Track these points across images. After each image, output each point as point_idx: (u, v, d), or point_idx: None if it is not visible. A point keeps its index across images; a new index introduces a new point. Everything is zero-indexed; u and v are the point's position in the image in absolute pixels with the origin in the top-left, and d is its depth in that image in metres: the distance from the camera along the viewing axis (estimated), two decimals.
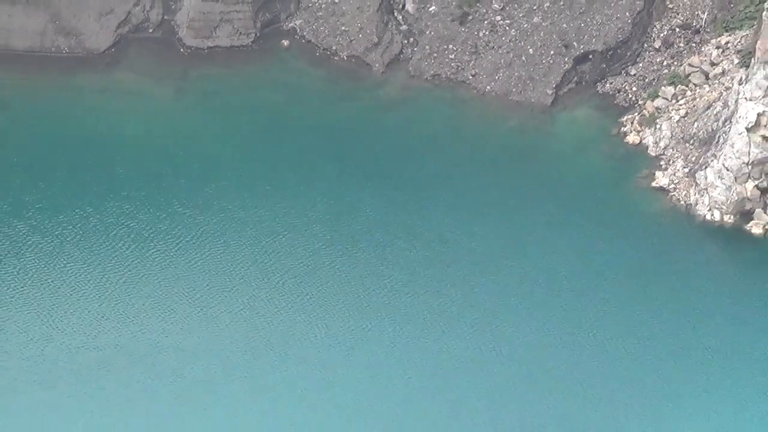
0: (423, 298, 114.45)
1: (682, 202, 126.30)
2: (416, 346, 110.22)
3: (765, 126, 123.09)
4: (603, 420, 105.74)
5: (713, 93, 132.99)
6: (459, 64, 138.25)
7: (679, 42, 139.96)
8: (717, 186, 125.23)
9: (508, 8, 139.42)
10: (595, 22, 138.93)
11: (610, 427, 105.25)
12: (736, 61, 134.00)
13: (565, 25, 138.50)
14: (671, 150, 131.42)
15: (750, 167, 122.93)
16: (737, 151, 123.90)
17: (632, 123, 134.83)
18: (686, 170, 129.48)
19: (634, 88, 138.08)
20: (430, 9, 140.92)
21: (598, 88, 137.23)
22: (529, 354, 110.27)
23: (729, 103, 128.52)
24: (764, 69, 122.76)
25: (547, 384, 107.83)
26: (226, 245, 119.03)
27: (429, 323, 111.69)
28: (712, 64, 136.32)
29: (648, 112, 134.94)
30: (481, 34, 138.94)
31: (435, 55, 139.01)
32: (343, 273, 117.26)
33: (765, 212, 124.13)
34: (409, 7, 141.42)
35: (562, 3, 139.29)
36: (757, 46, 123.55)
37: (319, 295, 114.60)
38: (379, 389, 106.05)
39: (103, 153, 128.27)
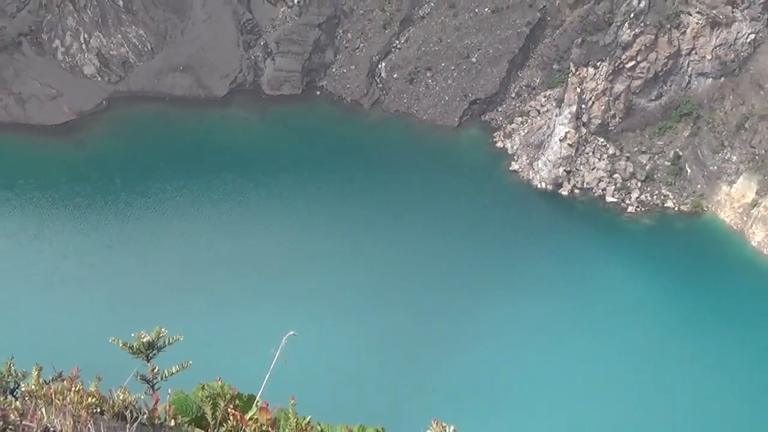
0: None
1: (525, 178, 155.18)
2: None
3: (567, 138, 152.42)
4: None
5: (542, 121, 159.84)
6: (409, 104, 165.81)
7: (524, 93, 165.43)
8: (543, 169, 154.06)
9: (435, 75, 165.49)
10: (480, 83, 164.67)
11: None
12: (554, 104, 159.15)
13: (464, 85, 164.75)
14: (520, 151, 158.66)
15: (560, 160, 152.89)
16: (554, 152, 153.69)
17: (499, 137, 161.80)
18: (527, 161, 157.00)
19: (500, 118, 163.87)
20: (394, 75, 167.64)
21: (482, 118, 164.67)
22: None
23: (550, 126, 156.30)
24: (568, 108, 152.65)
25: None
26: (291, 213, 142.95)
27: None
28: (542, 105, 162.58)
29: (508, 130, 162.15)
30: (420, 89, 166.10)
31: (396, 99, 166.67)
32: (344, 228, 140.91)
33: (568, 184, 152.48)
34: (383, 74, 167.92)
35: (463, 73, 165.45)
36: (564, 97, 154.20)
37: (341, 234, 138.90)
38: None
39: (218, 152, 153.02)
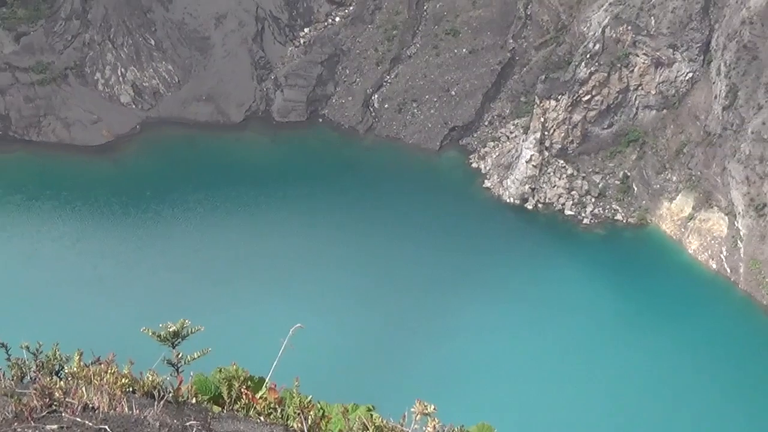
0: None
1: (496, 194, 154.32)
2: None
3: (532, 161, 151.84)
4: None
5: (511, 145, 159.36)
6: (397, 130, 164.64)
7: (496, 122, 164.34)
8: (511, 187, 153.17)
9: (420, 106, 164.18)
10: (458, 112, 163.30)
11: None
12: (521, 131, 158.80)
13: (445, 114, 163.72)
14: (491, 170, 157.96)
15: (526, 179, 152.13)
16: (521, 172, 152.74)
17: (474, 158, 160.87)
18: (498, 180, 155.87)
19: (475, 142, 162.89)
20: (385, 105, 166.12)
21: (459, 142, 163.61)
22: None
23: (518, 150, 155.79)
24: (533, 135, 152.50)
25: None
26: (296, 221, 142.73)
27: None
28: (511, 132, 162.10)
29: (481, 153, 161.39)
30: (407, 117, 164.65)
31: (386, 126, 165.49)
32: (343, 230, 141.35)
33: (532, 199, 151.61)
34: (376, 104, 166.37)
35: (443, 104, 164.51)
36: (530, 125, 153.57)
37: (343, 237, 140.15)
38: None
39: (234, 169, 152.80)
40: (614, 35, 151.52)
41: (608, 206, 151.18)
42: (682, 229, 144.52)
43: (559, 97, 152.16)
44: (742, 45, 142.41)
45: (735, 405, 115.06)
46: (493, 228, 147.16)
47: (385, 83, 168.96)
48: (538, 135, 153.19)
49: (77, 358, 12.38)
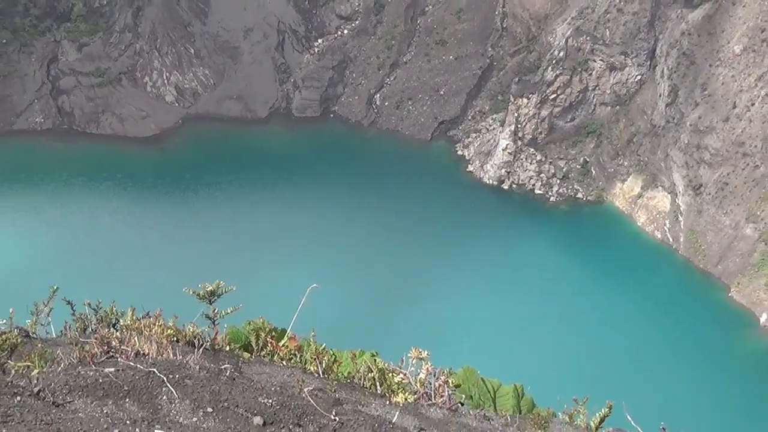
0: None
1: (477, 177, 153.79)
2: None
3: (508, 149, 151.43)
4: None
5: (490, 136, 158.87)
6: (395, 123, 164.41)
7: (477, 116, 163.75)
8: (490, 170, 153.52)
9: (414, 103, 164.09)
10: (446, 109, 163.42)
11: None
12: (498, 124, 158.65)
13: (435, 110, 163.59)
14: (474, 157, 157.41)
15: (503, 164, 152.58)
16: (498, 158, 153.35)
17: (459, 147, 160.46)
18: (479, 165, 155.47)
19: (460, 134, 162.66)
20: (385, 103, 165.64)
21: (447, 133, 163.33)
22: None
23: (495, 140, 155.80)
24: (508, 127, 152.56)
25: None
26: (310, 200, 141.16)
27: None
28: (489, 125, 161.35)
29: (465, 143, 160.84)
30: (404, 113, 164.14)
31: (386, 120, 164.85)
32: (350, 209, 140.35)
33: (508, 180, 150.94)
34: (378, 102, 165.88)
35: (434, 102, 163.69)
36: (506, 119, 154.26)
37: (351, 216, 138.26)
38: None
39: (259, 157, 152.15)
40: (575, 44, 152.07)
41: (571, 186, 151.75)
42: (632, 206, 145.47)
43: (530, 96, 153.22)
44: (682, 52, 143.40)
45: (674, 346, 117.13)
46: (475, 205, 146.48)
47: (385, 84, 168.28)
48: (512, 127, 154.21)
49: (130, 313, 12.37)
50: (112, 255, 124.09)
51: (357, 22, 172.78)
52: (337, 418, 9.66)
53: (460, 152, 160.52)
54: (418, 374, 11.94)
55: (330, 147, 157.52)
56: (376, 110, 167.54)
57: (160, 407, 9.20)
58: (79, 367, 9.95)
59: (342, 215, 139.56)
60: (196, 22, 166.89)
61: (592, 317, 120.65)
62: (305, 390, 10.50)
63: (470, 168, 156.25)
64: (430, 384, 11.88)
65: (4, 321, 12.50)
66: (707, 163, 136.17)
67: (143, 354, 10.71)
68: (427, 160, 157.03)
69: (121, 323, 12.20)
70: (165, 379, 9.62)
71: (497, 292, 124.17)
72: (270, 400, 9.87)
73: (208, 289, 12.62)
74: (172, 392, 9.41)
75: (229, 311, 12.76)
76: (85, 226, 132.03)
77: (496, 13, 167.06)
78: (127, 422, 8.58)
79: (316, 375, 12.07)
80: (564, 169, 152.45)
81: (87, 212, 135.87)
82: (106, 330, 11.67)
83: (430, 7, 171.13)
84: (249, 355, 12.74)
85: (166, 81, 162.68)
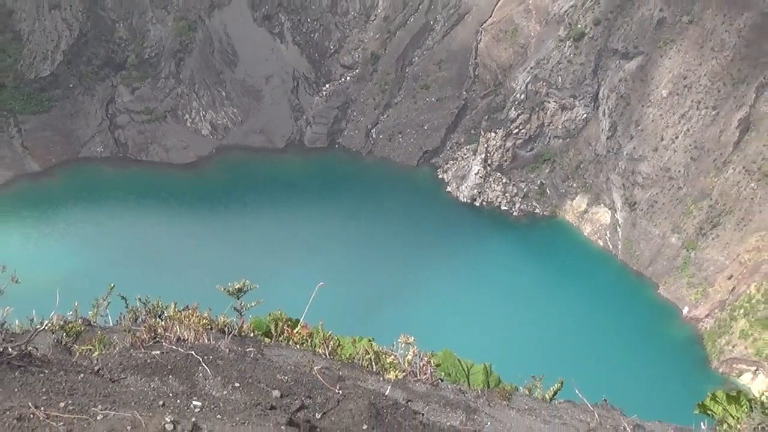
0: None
1: (455, 196, 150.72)
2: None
3: (479, 174, 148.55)
4: None
5: (464, 163, 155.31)
6: (388, 153, 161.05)
7: (455, 147, 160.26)
8: (465, 191, 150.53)
9: (404, 136, 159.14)
10: (429, 141, 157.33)
11: None
12: (472, 153, 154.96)
13: (420, 142, 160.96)
14: (452, 180, 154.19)
15: (475, 185, 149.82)
16: (471, 180, 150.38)
17: (440, 172, 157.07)
18: (456, 186, 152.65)
19: (441, 161, 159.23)
20: (380, 136, 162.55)
21: (431, 161, 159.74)
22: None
23: (469, 166, 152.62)
24: (479, 156, 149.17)
25: None
26: (319, 214, 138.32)
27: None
28: (464, 154, 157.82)
29: (445, 168, 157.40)
30: (395, 144, 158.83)
31: (381, 150, 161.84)
32: (350, 222, 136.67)
33: (479, 199, 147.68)
34: (374, 135, 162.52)
35: (419, 135, 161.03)
36: (477, 149, 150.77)
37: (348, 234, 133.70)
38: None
39: (278, 180, 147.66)
40: (534, 89, 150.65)
41: (530, 204, 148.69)
42: (580, 219, 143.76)
43: (497, 131, 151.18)
44: (620, 95, 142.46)
45: (614, 333, 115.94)
46: (452, 219, 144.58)
47: (380, 121, 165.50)
48: (483, 156, 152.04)
49: (173, 306, 12.45)
50: (157, 259, 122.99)
51: (357, 70, 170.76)
52: (340, 392, 9.65)
53: (440, 176, 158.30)
54: (406, 356, 11.98)
55: (335, 171, 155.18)
56: (372, 142, 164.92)
57: (197, 383, 9.26)
58: (131, 350, 10.00)
59: (344, 226, 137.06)
60: (227, 70, 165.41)
61: (548, 310, 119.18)
62: (315, 368, 10.50)
63: (449, 189, 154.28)
64: (416, 364, 11.90)
65: (71, 312, 12.56)
66: (640, 185, 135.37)
67: (183, 339, 10.70)
68: (414, 182, 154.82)
69: (165, 314, 12.26)
70: (201, 360, 9.61)
71: (471, 289, 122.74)
72: (286, 377, 9.89)
73: (236, 287, 12.65)
74: (206, 370, 9.44)
75: (253, 304, 12.74)
76: (136, 236, 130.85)
77: (470, 63, 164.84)
78: (170, 395, 8.59)
79: (324, 356, 12.09)
80: (525, 190, 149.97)
81: (137, 225, 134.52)
82: (153, 320, 11.67)
83: (417, 58, 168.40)
84: (269, 340, 12.71)
85: (202, 118, 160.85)
